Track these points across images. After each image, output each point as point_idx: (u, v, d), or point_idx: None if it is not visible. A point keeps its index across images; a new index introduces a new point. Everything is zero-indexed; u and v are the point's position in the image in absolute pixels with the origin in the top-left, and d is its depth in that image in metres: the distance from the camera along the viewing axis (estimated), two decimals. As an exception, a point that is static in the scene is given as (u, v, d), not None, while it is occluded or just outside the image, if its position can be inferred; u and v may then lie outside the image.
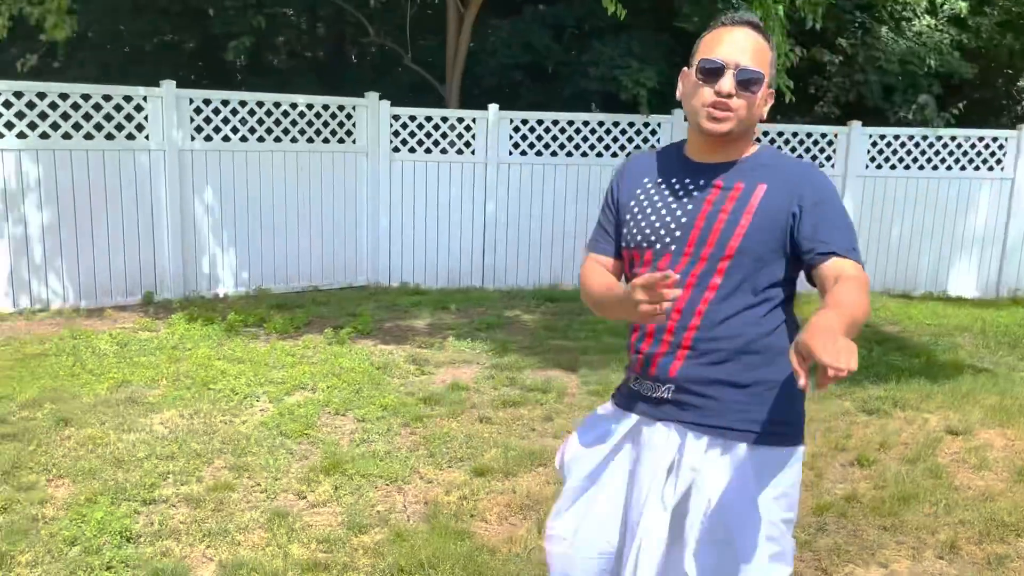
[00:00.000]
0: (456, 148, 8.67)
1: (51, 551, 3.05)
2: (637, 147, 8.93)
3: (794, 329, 1.89)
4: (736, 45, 1.83)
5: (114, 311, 7.02)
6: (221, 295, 7.77)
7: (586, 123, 8.85)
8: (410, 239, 8.67)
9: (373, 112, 8.35)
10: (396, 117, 8.47)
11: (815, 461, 4.20)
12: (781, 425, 1.86)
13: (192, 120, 7.46)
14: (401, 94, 10.68)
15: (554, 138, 8.79)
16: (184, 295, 7.54)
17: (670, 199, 1.92)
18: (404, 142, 8.54)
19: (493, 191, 8.75)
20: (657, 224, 1.92)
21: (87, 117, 6.96)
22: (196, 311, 6.91)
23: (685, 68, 1.95)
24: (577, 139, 8.82)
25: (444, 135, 8.64)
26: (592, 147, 8.89)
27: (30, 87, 6.72)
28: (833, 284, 1.73)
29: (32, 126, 6.74)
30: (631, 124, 8.92)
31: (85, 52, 10.06)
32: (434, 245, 8.76)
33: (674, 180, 1.94)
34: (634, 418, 1.98)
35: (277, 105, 7.92)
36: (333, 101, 8.24)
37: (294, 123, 8.03)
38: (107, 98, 7.06)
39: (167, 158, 7.31)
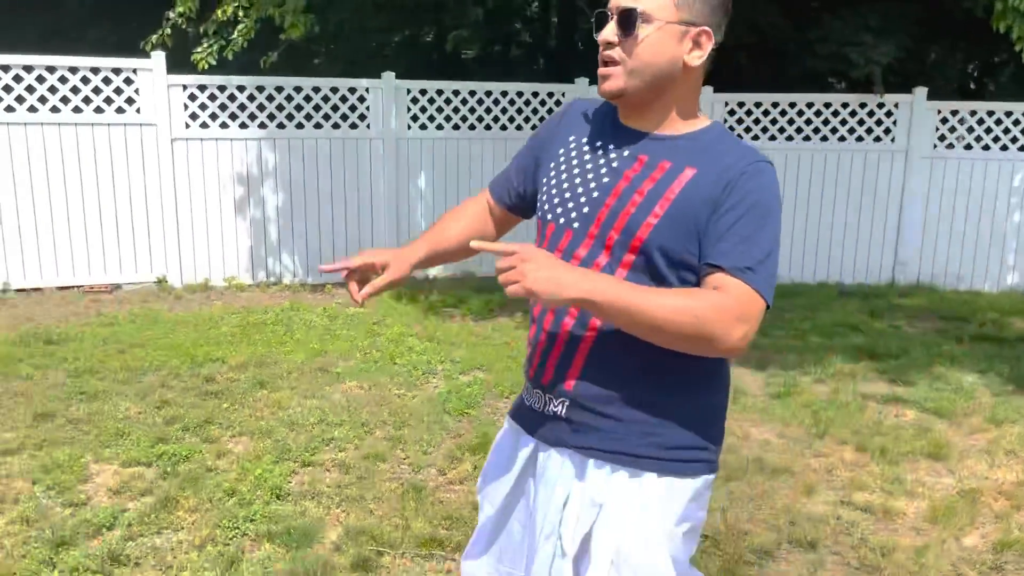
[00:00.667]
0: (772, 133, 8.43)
1: (211, 500, 3.39)
2: (869, 132, 8.16)
3: None
4: None
5: (333, 287, 7.64)
6: (431, 276, 8.18)
7: (810, 105, 8.23)
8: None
9: (582, 96, 8.32)
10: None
11: (1003, 489, 3.63)
12: (695, 451, 1.59)
13: (409, 109, 7.89)
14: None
15: (773, 121, 8.26)
16: (397, 274, 8.01)
17: (588, 165, 1.62)
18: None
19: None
20: (567, 195, 1.62)
21: (317, 108, 7.61)
22: (404, 291, 7.33)
23: None
24: (799, 122, 8.22)
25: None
26: (816, 131, 8.24)
27: (269, 82, 7.47)
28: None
29: (271, 117, 7.49)
30: (862, 106, 8.15)
31: (332, 47, 11.01)
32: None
33: (599, 142, 1.63)
34: (532, 442, 1.72)
35: (489, 93, 8.15)
36: (543, 88, 8.34)
37: (504, 111, 8.23)
38: (334, 90, 7.66)
39: (385, 146, 7.80)
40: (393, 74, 7.85)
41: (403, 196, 7.99)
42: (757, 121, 8.26)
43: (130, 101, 7.07)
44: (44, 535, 3.03)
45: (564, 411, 1.62)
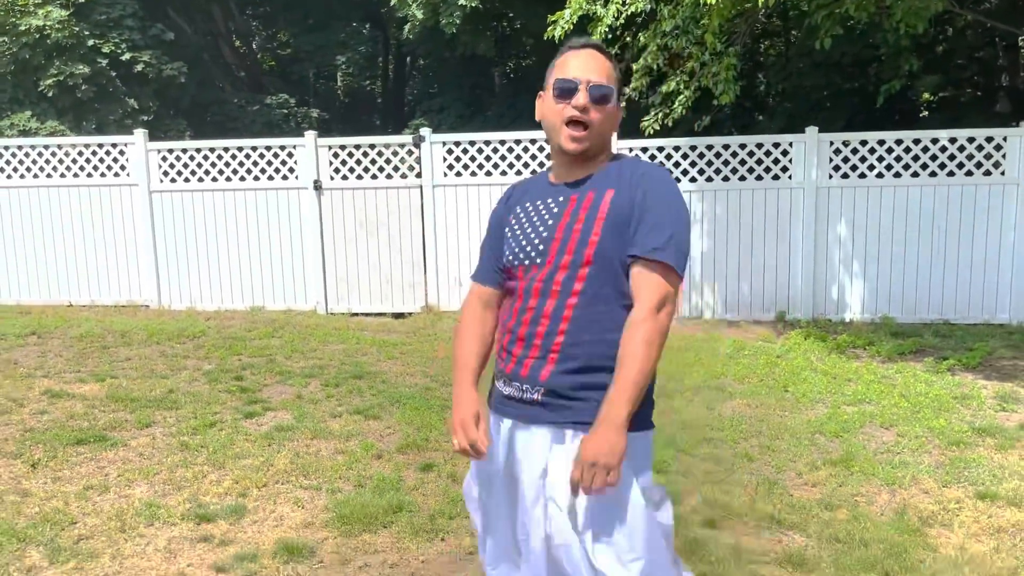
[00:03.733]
0: None
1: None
2: None
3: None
4: (586, 65, 1.97)
5: (748, 324, 8.35)
6: (847, 320, 8.41)
7: None
8: (1067, 277, 7.89)
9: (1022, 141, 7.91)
10: (1057, 145, 7.84)
11: None
12: (644, 411, 1.96)
13: (831, 160, 8.32)
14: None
15: None
16: (812, 317, 8.44)
17: (535, 219, 2.06)
18: (1066, 171, 7.83)
19: None
20: (524, 242, 2.05)
21: (742, 163, 8.46)
22: (814, 330, 7.75)
23: (541, 92, 2.06)
24: None
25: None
26: None
27: (701, 141, 8.53)
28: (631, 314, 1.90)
29: (700, 172, 8.54)
30: None
31: (777, 105, 11.75)
32: (1099, 285, 7.79)
33: (539, 202, 2.08)
34: (508, 423, 2.06)
35: (917, 141, 8.19)
36: (979, 133, 8.10)
37: (934, 157, 8.18)
38: (759, 145, 8.45)
39: (805, 195, 8.33)
40: (816, 128, 8.36)
41: (822, 241, 8.39)
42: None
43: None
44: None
45: (540, 397, 1.98)
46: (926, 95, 13.53)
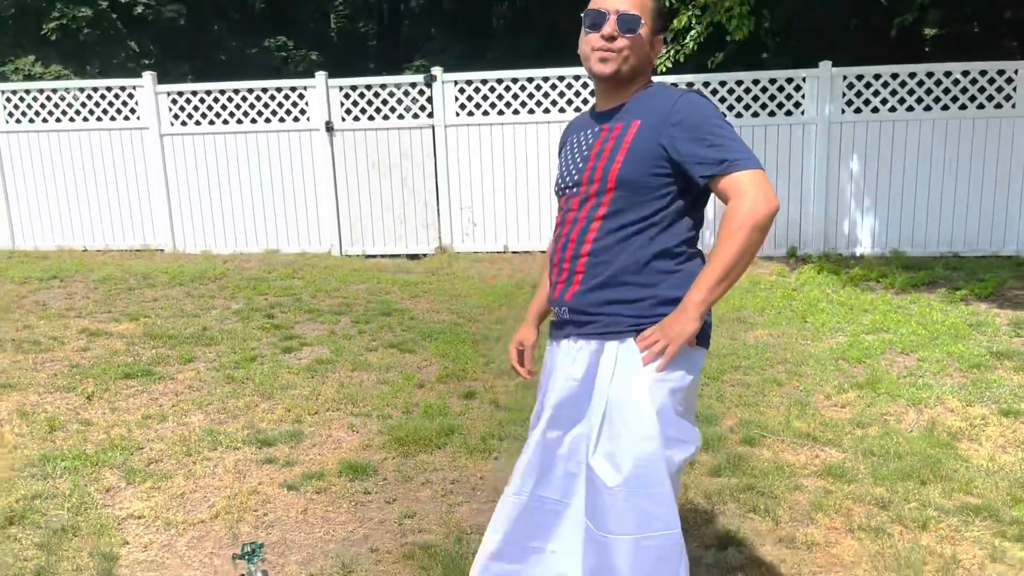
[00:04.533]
0: None
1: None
2: None
3: (692, 251, 2.05)
4: None
5: (761, 260, 8.47)
6: (858, 254, 8.55)
7: None
8: (1074, 209, 8.02)
9: None
10: (1069, 77, 7.90)
11: None
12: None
13: (844, 95, 8.36)
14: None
15: None
16: (824, 252, 8.57)
17: (574, 151, 2.16)
18: (1077, 103, 7.90)
19: None
20: (564, 173, 2.17)
21: (755, 99, 8.49)
22: (827, 265, 7.89)
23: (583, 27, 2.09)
24: None
25: None
26: None
27: (714, 78, 8.55)
28: (725, 209, 1.92)
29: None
30: None
31: (778, 41, 11.70)
32: (1105, 216, 7.92)
33: (581, 134, 2.18)
34: (554, 346, 2.19)
35: (930, 75, 8.23)
36: (991, 66, 8.14)
37: (947, 91, 8.23)
38: (772, 81, 8.47)
39: (818, 130, 8.38)
40: (830, 63, 8.38)
41: (833, 177, 8.47)
42: None
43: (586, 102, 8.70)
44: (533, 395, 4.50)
45: (569, 316, 2.10)
46: (928, 30, 13.46)
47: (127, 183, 9.39)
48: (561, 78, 8.76)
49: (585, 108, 8.66)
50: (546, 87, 8.79)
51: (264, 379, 4.74)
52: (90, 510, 3.18)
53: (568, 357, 2.09)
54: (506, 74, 8.89)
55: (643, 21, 2.01)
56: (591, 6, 2.06)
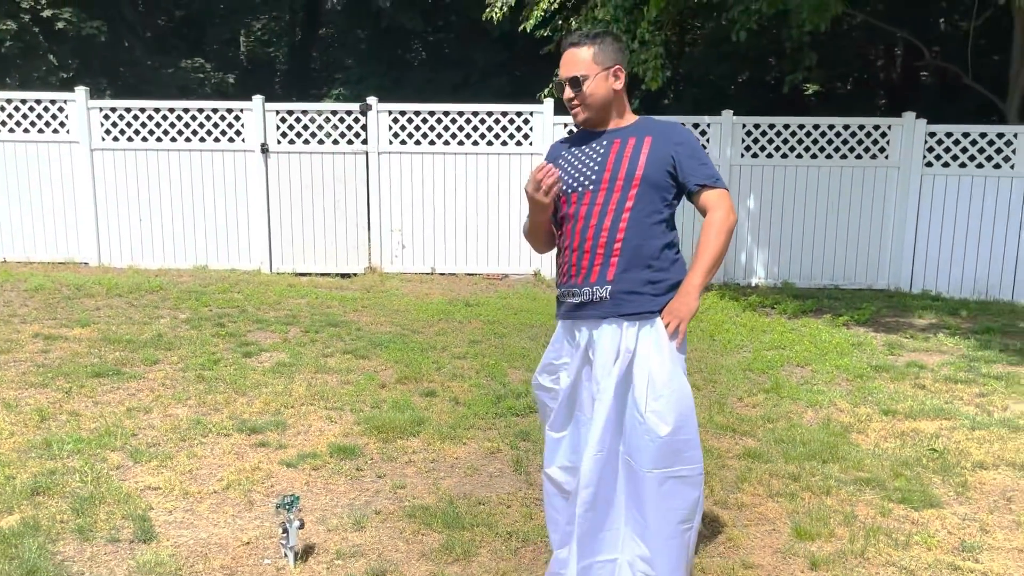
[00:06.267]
0: (994, 163, 8.90)
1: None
2: None
3: (676, 241, 2.64)
4: (564, 65, 2.63)
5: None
6: (753, 284, 9.48)
7: None
8: (936, 249, 9.18)
9: (908, 129, 9.13)
10: (932, 134, 9.10)
11: None
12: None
13: (743, 141, 9.32)
14: (962, 114, 10.98)
15: (1112, 152, 8.37)
16: (724, 281, 9.46)
17: (584, 158, 2.65)
18: (938, 157, 9.11)
19: (1032, 206, 8.73)
20: (576, 174, 2.63)
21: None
22: (728, 292, 8.76)
23: None
24: None
25: (981, 150, 8.95)
26: None
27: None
28: (705, 217, 2.56)
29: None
30: None
31: (682, 89, 12.74)
32: (961, 256, 9.11)
33: (584, 146, 2.68)
34: (582, 327, 2.64)
35: (816, 127, 9.30)
36: (869, 121, 9.28)
37: (830, 141, 9.32)
38: (682, 124, 9.34)
39: (720, 172, 9.29)
40: (731, 111, 9.34)
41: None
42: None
43: (525, 136, 9.39)
44: (487, 393, 5.01)
45: (608, 295, 2.57)
46: (813, 87, 14.87)
47: (53, 196, 9.39)
48: (490, 113, 9.39)
49: (525, 142, 9.32)
50: (475, 121, 9.40)
51: (234, 378, 5.07)
52: (108, 483, 3.49)
53: (612, 339, 2.57)
54: (438, 107, 9.46)
55: (585, 75, 2.57)
56: (558, 76, 2.70)
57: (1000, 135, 8.89)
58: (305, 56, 22.57)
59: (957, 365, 6.09)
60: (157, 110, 9.37)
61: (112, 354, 5.52)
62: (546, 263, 9.48)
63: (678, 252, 2.67)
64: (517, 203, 9.45)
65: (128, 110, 9.39)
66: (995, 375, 5.83)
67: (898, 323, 7.71)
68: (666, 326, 2.55)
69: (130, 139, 9.37)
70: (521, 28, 9.80)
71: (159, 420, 4.33)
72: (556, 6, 9.88)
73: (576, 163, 2.67)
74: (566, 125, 9.34)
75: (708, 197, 2.58)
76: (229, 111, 9.41)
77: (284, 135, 9.42)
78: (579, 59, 2.61)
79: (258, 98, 9.42)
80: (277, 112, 9.39)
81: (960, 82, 11.48)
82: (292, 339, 6.21)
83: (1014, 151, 8.81)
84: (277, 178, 9.44)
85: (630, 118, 2.70)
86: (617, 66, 2.63)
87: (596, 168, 2.61)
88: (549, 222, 2.74)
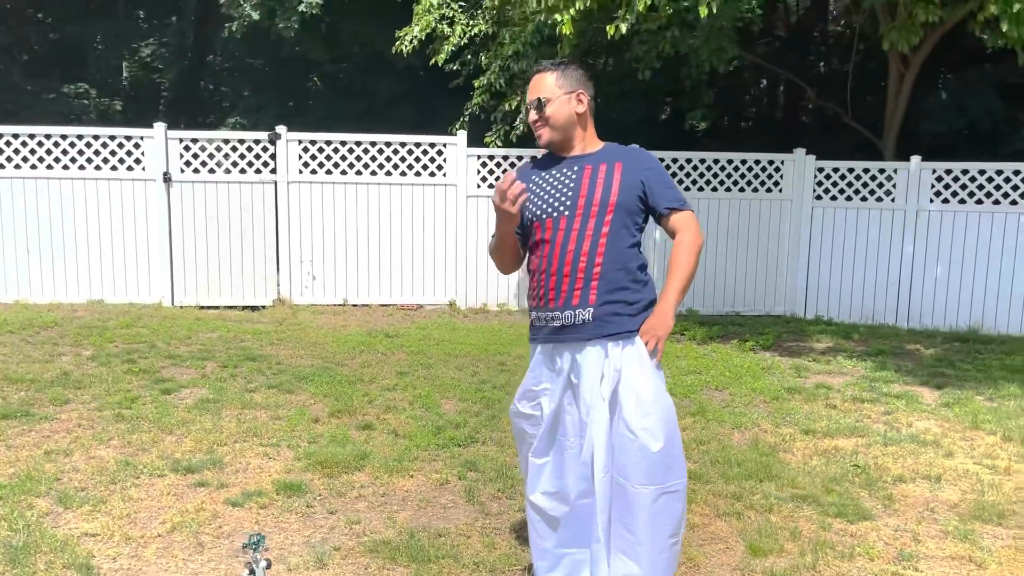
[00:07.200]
0: (876, 196, 9.55)
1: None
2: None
3: (646, 262, 2.74)
4: (531, 89, 2.75)
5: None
6: (660, 312, 9.77)
7: (1017, 172, 9.01)
8: (827, 277, 9.74)
9: (799, 165, 9.69)
10: (820, 169, 9.69)
11: None
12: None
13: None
14: (843, 150, 11.73)
15: (980, 187, 9.12)
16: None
17: (556, 184, 2.71)
18: (827, 191, 9.70)
19: (912, 236, 9.39)
20: (551, 200, 2.69)
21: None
22: (638, 320, 8.99)
23: None
24: (1006, 188, 9.02)
25: (865, 184, 9.59)
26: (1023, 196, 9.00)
27: (541, 152, 9.53)
28: (675, 239, 2.67)
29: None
30: (1068, 172, 8.84)
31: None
32: (850, 283, 9.69)
33: (555, 171, 2.75)
34: (564, 351, 2.68)
35: (716, 161, 9.75)
36: (763, 157, 9.80)
37: (729, 175, 9.77)
38: (590, 159, 9.61)
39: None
40: (637, 146, 9.64)
41: (646, 244, 9.67)
42: (964, 187, 9.17)
43: (439, 167, 9.42)
44: (425, 424, 4.97)
45: (591, 316, 2.64)
46: (704, 123, 15.56)
47: (-71, 225, 8.73)
48: (403, 144, 9.38)
49: (439, 172, 9.33)
50: (388, 151, 9.36)
51: (157, 416, 4.84)
52: (40, 530, 3.26)
53: (597, 360, 2.62)
54: (350, 136, 9.38)
55: (548, 98, 2.69)
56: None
57: (881, 170, 9.55)
58: (194, 83, 21.92)
59: (860, 386, 6.45)
60: (49, 136, 8.89)
61: (16, 394, 5.16)
62: (461, 292, 9.50)
63: (647, 272, 2.78)
64: (431, 234, 9.44)
65: (16, 136, 8.87)
66: (895, 394, 6.21)
67: (799, 347, 8.12)
68: (646, 344, 2.63)
69: (18, 167, 8.84)
70: (432, 61, 9.88)
71: (83, 463, 4.08)
72: (466, 41, 10.02)
73: (548, 188, 2.71)
74: (479, 157, 9.44)
75: (677, 219, 2.70)
76: (128, 138, 9.03)
77: (188, 164, 9.10)
78: (544, 84, 2.72)
79: (160, 125, 9.09)
80: (181, 140, 9.08)
81: (840, 121, 12.28)
82: (211, 374, 5.97)
83: (894, 185, 9.48)
84: (180, 208, 9.10)
85: (597, 143, 2.79)
86: (580, 91, 2.73)
87: (570, 194, 2.66)
88: (516, 238, 2.77)
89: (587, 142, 2.76)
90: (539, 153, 2.89)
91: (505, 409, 5.34)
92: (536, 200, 2.71)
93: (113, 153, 8.99)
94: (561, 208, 2.66)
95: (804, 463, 4.61)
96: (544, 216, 2.68)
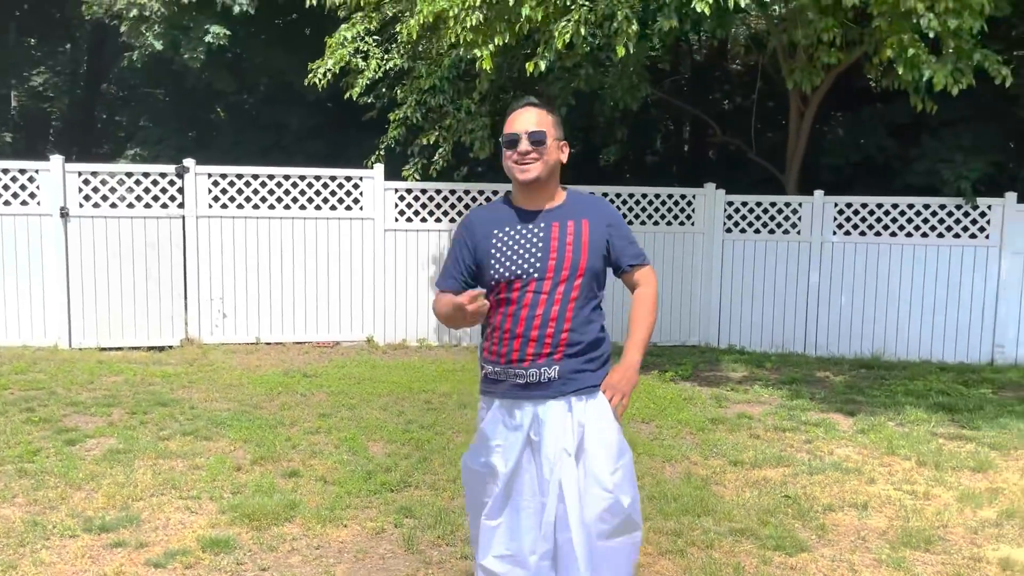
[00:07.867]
0: (783, 229, 9.91)
1: (447, 456, 5.05)
2: (965, 230, 9.35)
3: (604, 317, 2.74)
4: (524, 119, 2.61)
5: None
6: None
7: (911, 206, 9.51)
8: (738, 307, 10.00)
9: (710, 199, 9.96)
10: (730, 203, 9.99)
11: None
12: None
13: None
14: (748, 185, 12.14)
15: (878, 220, 9.58)
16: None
17: (522, 242, 2.62)
18: (736, 224, 10.00)
19: (817, 267, 9.77)
20: (520, 261, 2.60)
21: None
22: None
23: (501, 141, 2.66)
24: (901, 220, 9.51)
25: (772, 218, 9.94)
26: (917, 228, 9.49)
27: (460, 187, 9.51)
28: (634, 292, 2.70)
29: (460, 213, 9.49)
30: (958, 207, 9.38)
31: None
32: (759, 313, 9.98)
33: (519, 227, 2.64)
34: (526, 406, 2.61)
35: (631, 195, 9.92)
36: (676, 191, 10.04)
37: (644, 209, 9.96)
38: (495, 192, 9.64)
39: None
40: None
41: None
42: (863, 219, 9.62)
43: (355, 201, 9.26)
44: (354, 469, 4.79)
45: (556, 375, 2.60)
46: (612, 157, 15.88)
47: None
48: (318, 177, 9.19)
49: (356, 206, 9.15)
50: (302, 184, 9.15)
51: (63, 470, 4.51)
52: (-62, 606, 2.95)
53: (561, 415, 2.58)
54: (263, 170, 9.13)
55: (548, 133, 2.58)
56: (507, 130, 2.62)
57: (788, 204, 9.92)
58: (88, 113, 21.03)
59: (779, 415, 6.61)
60: (-68, 169, 8.32)
61: (-99, 450, 4.73)
62: (380, 328, 9.31)
63: (605, 328, 2.77)
64: (348, 268, 9.24)
65: None
66: (813, 422, 6.38)
67: (717, 376, 8.28)
68: (609, 400, 2.61)
69: (-103, 201, 8.22)
70: (347, 95, 9.74)
71: (-17, 525, 3.75)
72: (381, 75, 9.93)
73: (515, 247, 2.62)
74: (396, 190, 9.33)
75: (640, 275, 2.74)
76: (22, 171, 8.53)
77: (88, 198, 8.66)
78: (543, 119, 2.62)
79: (57, 158, 8.64)
80: (80, 173, 8.64)
81: (745, 156, 12.73)
82: (118, 422, 5.63)
83: (800, 218, 9.85)
84: (79, 244, 8.64)
85: (560, 195, 2.72)
86: (565, 142, 2.70)
87: (539, 255, 2.60)
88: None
89: (555, 193, 2.70)
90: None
91: (436, 450, 5.23)
92: (502, 259, 2.61)
93: (6, 187, 8.48)
94: (531, 270, 2.59)
95: (737, 495, 4.66)
96: (512, 277, 2.60)
